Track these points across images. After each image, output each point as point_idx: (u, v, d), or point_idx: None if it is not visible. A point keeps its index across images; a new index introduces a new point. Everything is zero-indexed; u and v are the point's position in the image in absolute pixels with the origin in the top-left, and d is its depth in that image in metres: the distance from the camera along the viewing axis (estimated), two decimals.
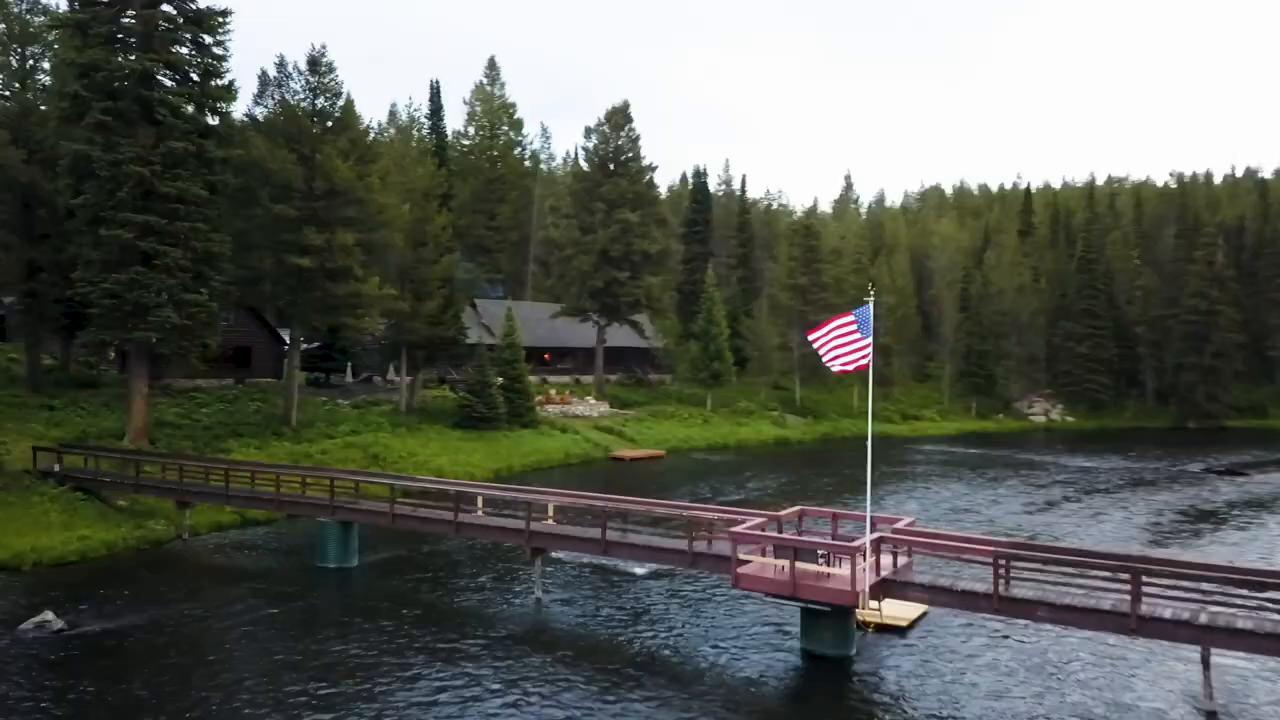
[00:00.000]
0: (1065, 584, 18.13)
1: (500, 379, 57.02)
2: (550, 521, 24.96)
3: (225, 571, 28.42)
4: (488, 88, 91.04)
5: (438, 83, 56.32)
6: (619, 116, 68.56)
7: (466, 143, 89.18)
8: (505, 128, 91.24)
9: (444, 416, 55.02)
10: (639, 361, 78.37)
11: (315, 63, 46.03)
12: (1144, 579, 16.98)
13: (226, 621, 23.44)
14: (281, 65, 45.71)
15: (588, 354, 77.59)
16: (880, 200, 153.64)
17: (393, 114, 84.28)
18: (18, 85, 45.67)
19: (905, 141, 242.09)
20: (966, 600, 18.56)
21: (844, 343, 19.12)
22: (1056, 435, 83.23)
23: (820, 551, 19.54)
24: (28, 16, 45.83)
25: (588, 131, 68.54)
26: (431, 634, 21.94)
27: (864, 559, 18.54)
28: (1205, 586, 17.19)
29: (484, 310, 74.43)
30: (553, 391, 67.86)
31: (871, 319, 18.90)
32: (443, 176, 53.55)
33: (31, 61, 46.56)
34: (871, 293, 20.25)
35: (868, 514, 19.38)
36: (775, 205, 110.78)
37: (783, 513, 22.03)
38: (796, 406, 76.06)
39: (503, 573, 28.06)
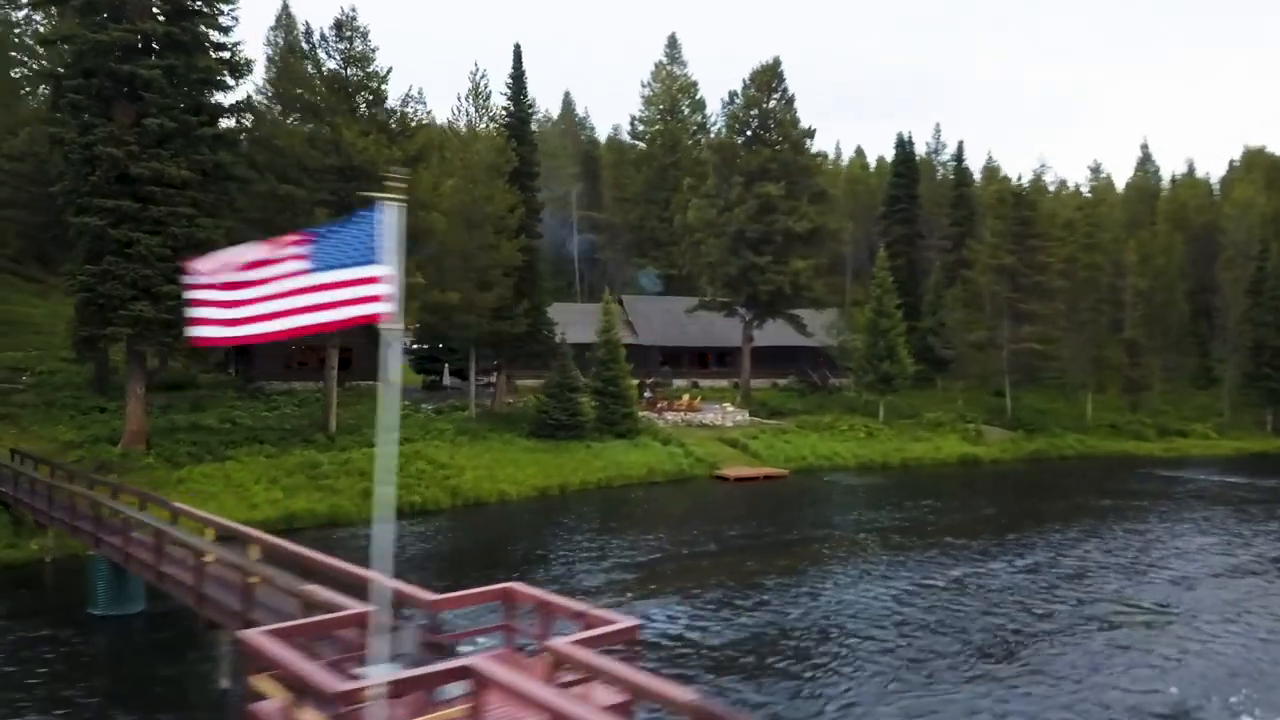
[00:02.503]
0: None
1: (595, 383, 49.52)
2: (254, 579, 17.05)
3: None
4: (668, 66, 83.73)
5: (519, 47, 49.13)
6: (767, 76, 58.49)
7: (641, 128, 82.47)
8: (686, 110, 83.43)
9: (526, 424, 48.27)
10: (815, 363, 67.22)
11: (342, 27, 41.21)
12: None
13: None
14: (308, 33, 41.35)
15: (754, 354, 67.79)
16: (1190, 170, 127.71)
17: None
18: None
19: (1228, 107, 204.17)
20: None
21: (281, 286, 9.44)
22: None
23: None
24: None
25: (731, 96, 59.16)
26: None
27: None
28: None
29: (632, 307, 67.05)
30: (686, 396, 59.06)
31: (391, 235, 9.32)
32: (511, 149, 46.98)
33: None
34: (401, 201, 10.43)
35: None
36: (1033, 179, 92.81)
37: (442, 598, 12.67)
38: (1008, 417, 61.39)
39: None
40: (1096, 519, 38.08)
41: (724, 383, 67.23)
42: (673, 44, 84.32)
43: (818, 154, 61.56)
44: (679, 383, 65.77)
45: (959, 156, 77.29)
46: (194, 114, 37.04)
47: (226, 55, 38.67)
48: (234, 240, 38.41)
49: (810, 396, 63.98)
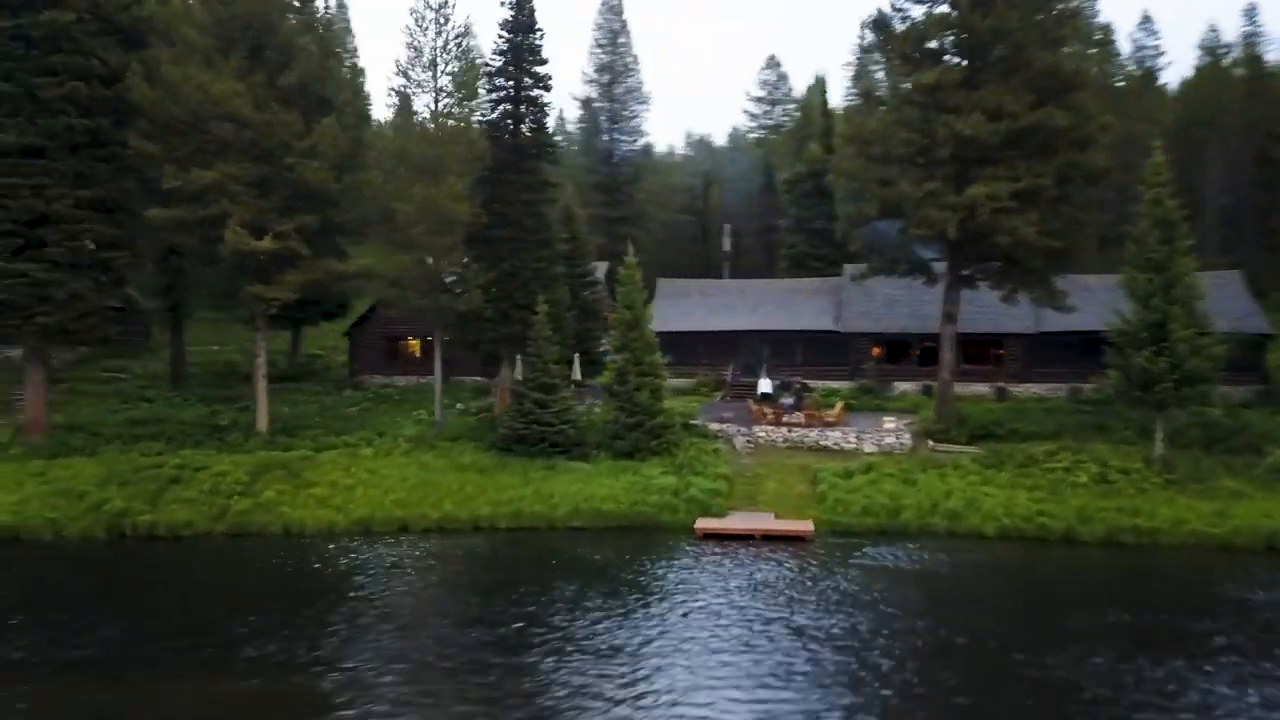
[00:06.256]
0: None
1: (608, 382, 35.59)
2: None
3: None
4: None
5: None
6: None
7: None
8: None
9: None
10: None
11: None
12: None
13: None
14: None
15: (1038, 345, 44.61)
16: None
17: None
18: None
19: None
20: None
21: None
22: None
23: None
24: None
25: None
26: None
27: None
28: None
29: (846, 281, 48.05)
30: (840, 405, 39.73)
31: None
32: (482, 68, 35.10)
33: None
34: None
35: None
36: None
37: None
38: None
39: None
40: None
41: (982, 387, 44.71)
42: None
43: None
44: (905, 386, 45.34)
45: None
46: (51, 75, 33.85)
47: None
48: (85, 210, 34.51)
49: (1094, 412, 38.97)
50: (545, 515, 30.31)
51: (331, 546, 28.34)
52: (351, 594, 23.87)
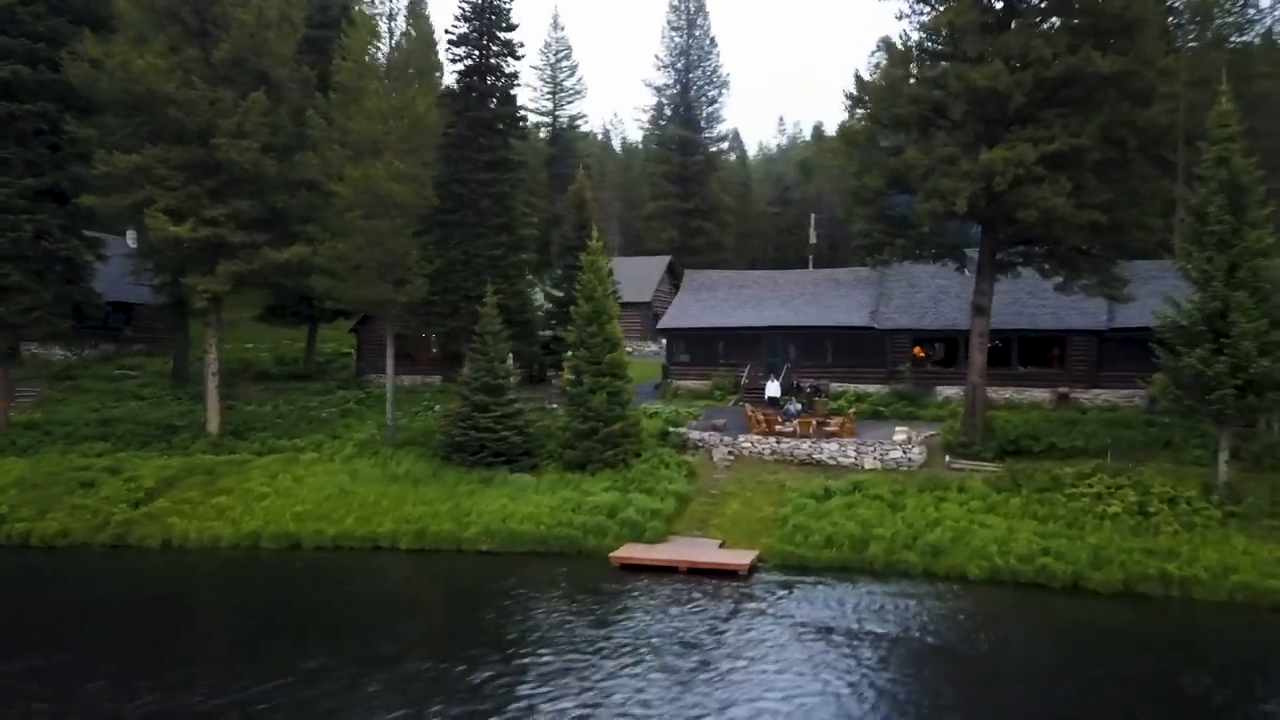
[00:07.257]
0: None
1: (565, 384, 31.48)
2: None
3: None
4: None
5: None
6: None
7: None
8: None
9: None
10: None
11: None
12: None
13: None
14: None
15: (1108, 343, 37.66)
16: None
17: None
18: None
19: None
20: None
21: None
22: None
23: None
24: None
25: None
26: None
27: None
28: None
29: (881, 280, 41.68)
30: (852, 411, 34.06)
31: None
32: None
33: None
34: None
35: None
36: None
37: None
38: None
39: None
40: None
41: (1042, 392, 38.01)
42: None
43: None
44: (949, 391, 39.00)
45: None
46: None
47: None
48: (30, 200, 33.08)
49: (1166, 425, 31.85)
50: (453, 536, 26.45)
51: (187, 565, 25.49)
52: (108, 633, 20.56)
